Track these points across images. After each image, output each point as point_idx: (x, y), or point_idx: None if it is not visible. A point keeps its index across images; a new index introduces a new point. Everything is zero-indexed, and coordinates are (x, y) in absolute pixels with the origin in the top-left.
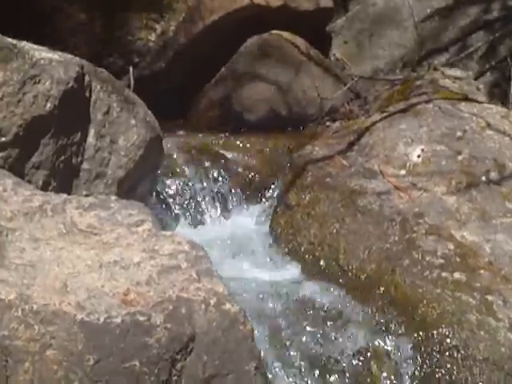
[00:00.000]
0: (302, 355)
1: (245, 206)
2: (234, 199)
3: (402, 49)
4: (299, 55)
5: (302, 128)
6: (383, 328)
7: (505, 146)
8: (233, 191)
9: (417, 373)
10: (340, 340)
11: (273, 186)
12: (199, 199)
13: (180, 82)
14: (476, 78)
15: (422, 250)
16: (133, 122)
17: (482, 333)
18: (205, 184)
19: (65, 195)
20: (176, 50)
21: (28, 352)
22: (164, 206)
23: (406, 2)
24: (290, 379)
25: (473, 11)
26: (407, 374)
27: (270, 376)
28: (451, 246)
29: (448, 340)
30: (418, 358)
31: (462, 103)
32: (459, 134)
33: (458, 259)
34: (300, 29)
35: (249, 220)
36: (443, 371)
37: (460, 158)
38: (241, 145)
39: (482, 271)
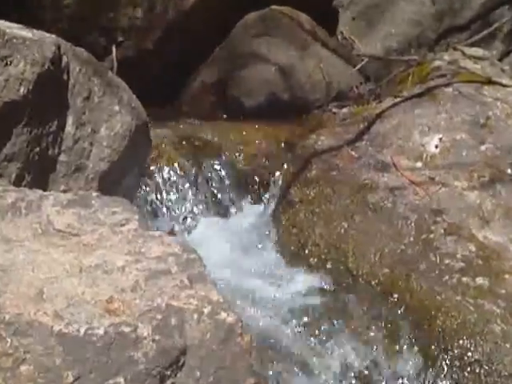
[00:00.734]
0: (302, 369)
1: (242, 204)
2: (230, 196)
3: (417, 26)
4: (302, 33)
5: (305, 115)
6: (397, 340)
7: None
8: (228, 187)
9: None
10: (348, 353)
11: (273, 181)
12: (190, 197)
13: (169, 64)
14: (500, 59)
15: (441, 252)
16: (116, 108)
17: (507, 345)
18: (197, 179)
19: (40, 191)
20: (165, 27)
21: None
22: (150, 204)
23: None
24: None
25: None
26: None
27: None
28: (473, 248)
29: (469, 353)
30: (436, 373)
31: (484, 87)
32: (482, 121)
33: (480, 262)
34: (303, 3)
35: (246, 219)
36: None
37: (483, 148)
38: (238, 134)
39: (507, 276)
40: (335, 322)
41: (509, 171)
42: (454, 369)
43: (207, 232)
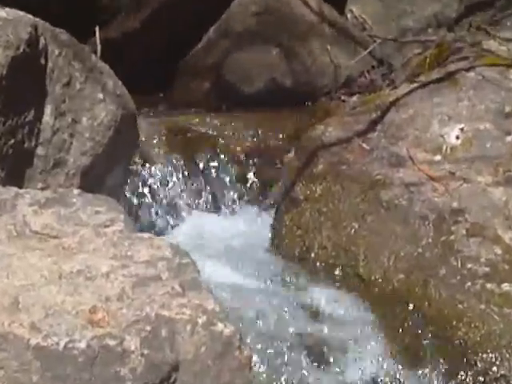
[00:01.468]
0: None
1: (240, 203)
2: (227, 194)
3: (436, 3)
4: (307, 12)
5: (311, 103)
6: (413, 353)
7: None
8: (225, 184)
9: None
10: (360, 368)
11: (275, 177)
12: (182, 195)
13: (159, 47)
14: None
15: (462, 255)
16: (100, 96)
17: None
18: (190, 176)
19: (15, 189)
20: (153, 6)
21: None
22: (137, 203)
23: None
24: None
25: None
26: None
27: None
28: (498, 251)
29: (494, 368)
30: None
31: (511, 70)
32: (508, 109)
33: (506, 267)
34: None
35: (245, 220)
36: None
37: (509, 139)
38: (235, 125)
39: None
40: (345, 334)
41: None
42: None
43: (200, 234)
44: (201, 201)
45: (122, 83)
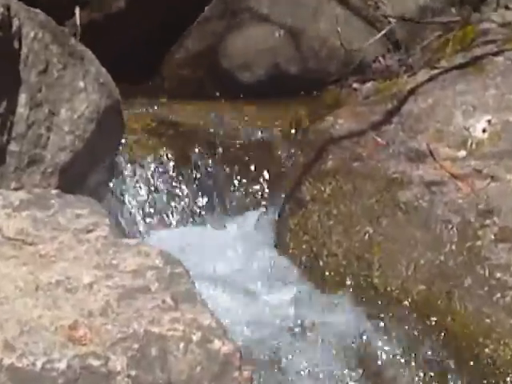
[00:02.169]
0: None
1: (239, 205)
2: (224, 196)
3: None
4: None
5: (319, 92)
6: (436, 374)
7: None
8: (222, 184)
9: None
10: None
11: (278, 175)
12: (172, 198)
13: (147, 29)
14: None
15: (490, 263)
16: (81, 84)
17: None
18: (182, 175)
19: None
20: None
21: None
22: (121, 205)
23: None
24: None
25: None
26: None
27: None
28: None
29: None
30: None
31: None
32: None
33: None
34: None
35: (244, 224)
36: None
37: None
38: (232, 117)
39: None
40: (358, 353)
41: None
42: None
43: (194, 241)
44: (194, 202)
45: (106, 70)
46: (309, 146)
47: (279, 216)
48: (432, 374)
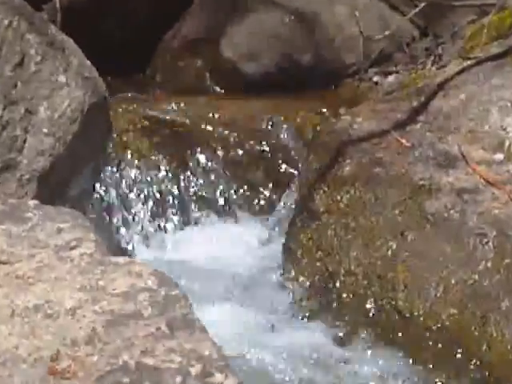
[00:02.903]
0: None
1: (241, 216)
2: (224, 204)
3: None
4: None
5: (335, 86)
6: None
7: None
8: (222, 191)
9: None
10: None
11: (287, 182)
12: (166, 205)
13: (139, 15)
14: None
15: None
16: (62, 79)
17: None
18: (177, 180)
19: None
20: None
21: None
22: (107, 216)
23: None
24: None
25: None
26: None
27: None
28: None
29: None
30: None
31: None
32: None
33: None
34: None
35: (248, 238)
36: None
37: None
38: (235, 115)
39: None
40: None
41: None
42: None
43: (189, 258)
44: (190, 211)
45: (91, 62)
46: (323, 148)
47: (289, 229)
48: None
